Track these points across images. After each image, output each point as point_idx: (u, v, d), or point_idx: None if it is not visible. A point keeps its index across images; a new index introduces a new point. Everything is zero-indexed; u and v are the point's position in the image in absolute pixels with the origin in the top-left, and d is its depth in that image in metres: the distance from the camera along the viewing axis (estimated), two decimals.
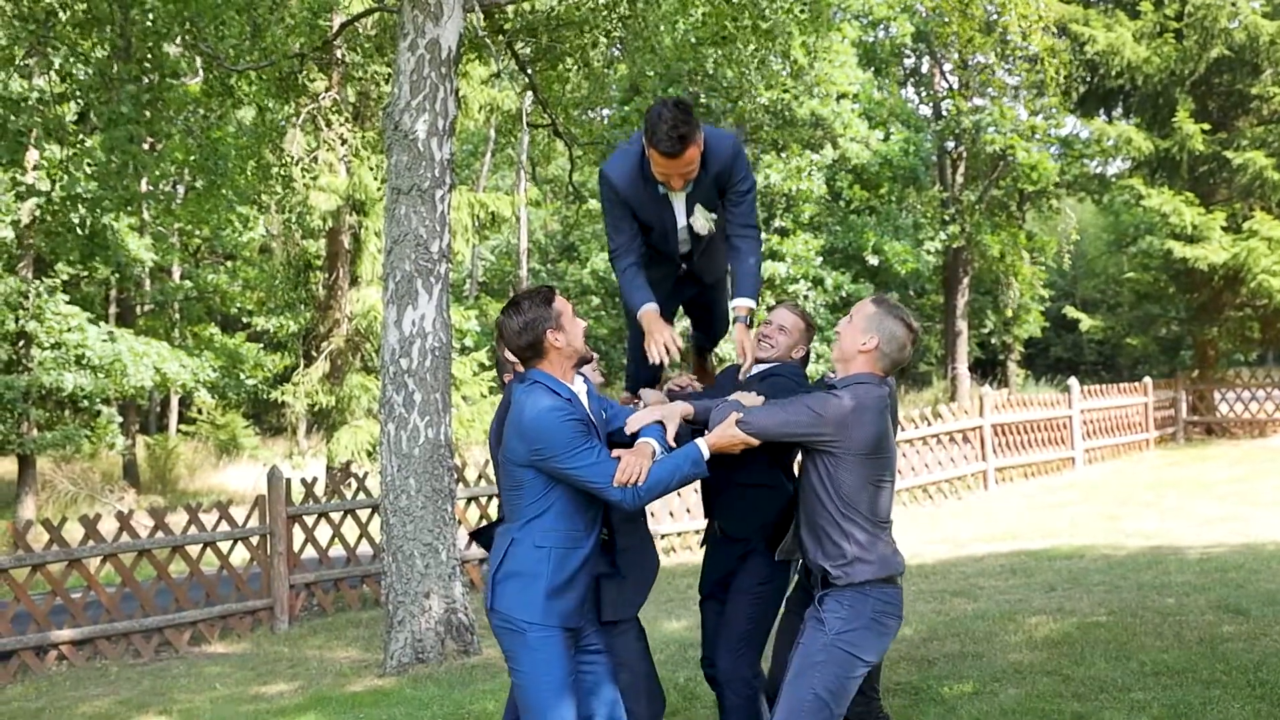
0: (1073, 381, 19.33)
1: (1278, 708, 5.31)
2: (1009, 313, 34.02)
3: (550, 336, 4.08)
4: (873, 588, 4.01)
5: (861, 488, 4.00)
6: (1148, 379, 21.54)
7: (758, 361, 4.77)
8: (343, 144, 19.12)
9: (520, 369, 4.40)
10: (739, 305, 4.53)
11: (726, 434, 4.06)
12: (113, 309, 25.51)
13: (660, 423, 4.21)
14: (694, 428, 4.28)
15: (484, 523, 12.14)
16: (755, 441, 4.06)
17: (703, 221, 4.66)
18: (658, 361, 4.45)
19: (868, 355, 4.11)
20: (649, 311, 4.55)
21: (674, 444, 4.18)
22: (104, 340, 18.55)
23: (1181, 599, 8.03)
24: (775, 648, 4.63)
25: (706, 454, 4.07)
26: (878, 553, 4.03)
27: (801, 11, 12.55)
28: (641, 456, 4.01)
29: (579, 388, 4.18)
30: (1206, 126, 21.22)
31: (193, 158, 16.85)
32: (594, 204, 29.26)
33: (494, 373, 23.33)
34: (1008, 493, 16.19)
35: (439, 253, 8.50)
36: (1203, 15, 20.95)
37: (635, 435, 4.18)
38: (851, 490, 4.00)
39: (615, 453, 4.04)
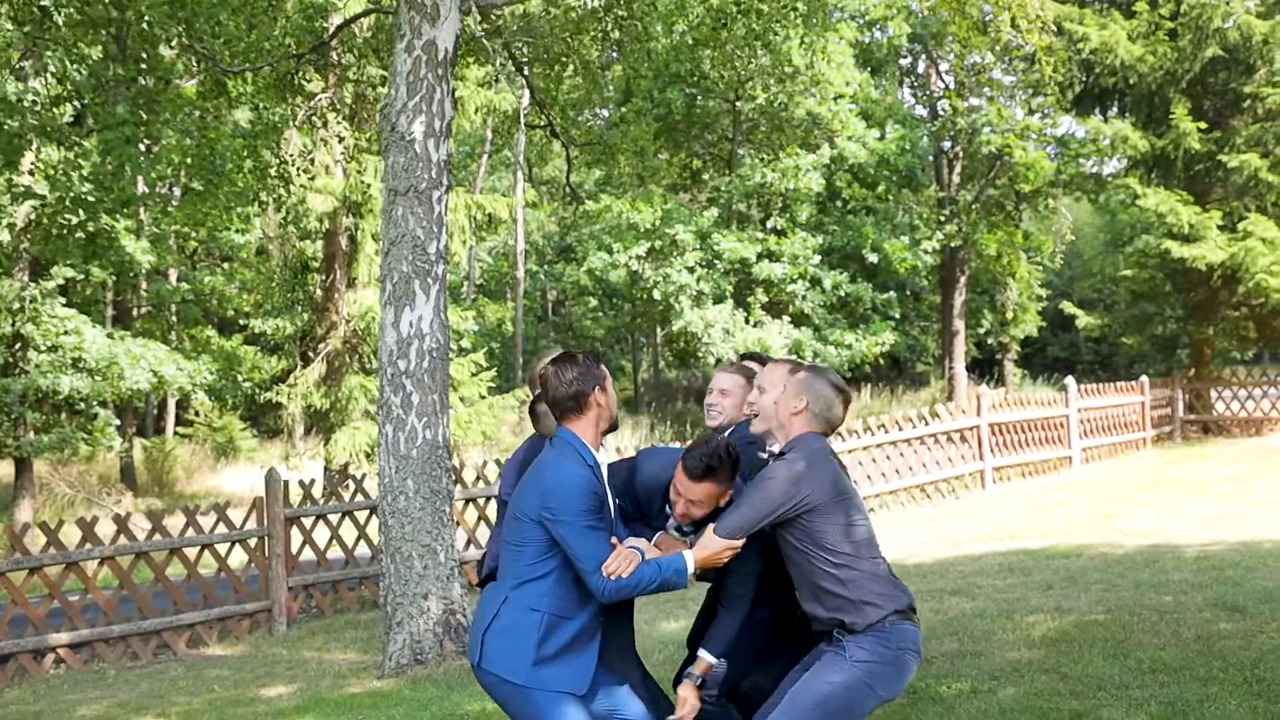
0: (1070, 381, 19.35)
1: (1274, 704, 5.32)
2: (1008, 314, 34.04)
3: (596, 395, 4.12)
4: (891, 624, 4.03)
5: (842, 532, 4.05)
6: (1144, 378, 21.56)
7: (714, 431, 4.85)
8: (339, 145, 19.12)
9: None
10: (702, 657, 4.35)
11: (709, 548, 4.05)
12: (110, 311, 25.51)
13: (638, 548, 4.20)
14: None
15: (483, 525, 12.16)
16: (739, 545, 4.06)
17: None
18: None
19: (800, 416, 4.23)
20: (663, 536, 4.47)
21: None
22: (105, 337, 18.52)
23: (1179, 597, 8.05)
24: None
25: (691, 567, 4.06)
26: (882, 588, 4.07)
27: (796, 13, 12.57)
28: (633, 557, 4.01)
29: (602, 458, 4.20)
30: (1202, 125, 21.24)
31: (189, 159, 16.88)
32: (590, 205, 29.34)
33: (492, 374, 23.34)
34: (1005, 492, 16.20)
35: (436, 254, 8.51)
36: (1197, 14, 20.96)
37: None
38: (834, 538, 4.04)
39: (613, 540, 4.06)
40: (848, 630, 4.03)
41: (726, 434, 4.82)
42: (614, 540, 4.07)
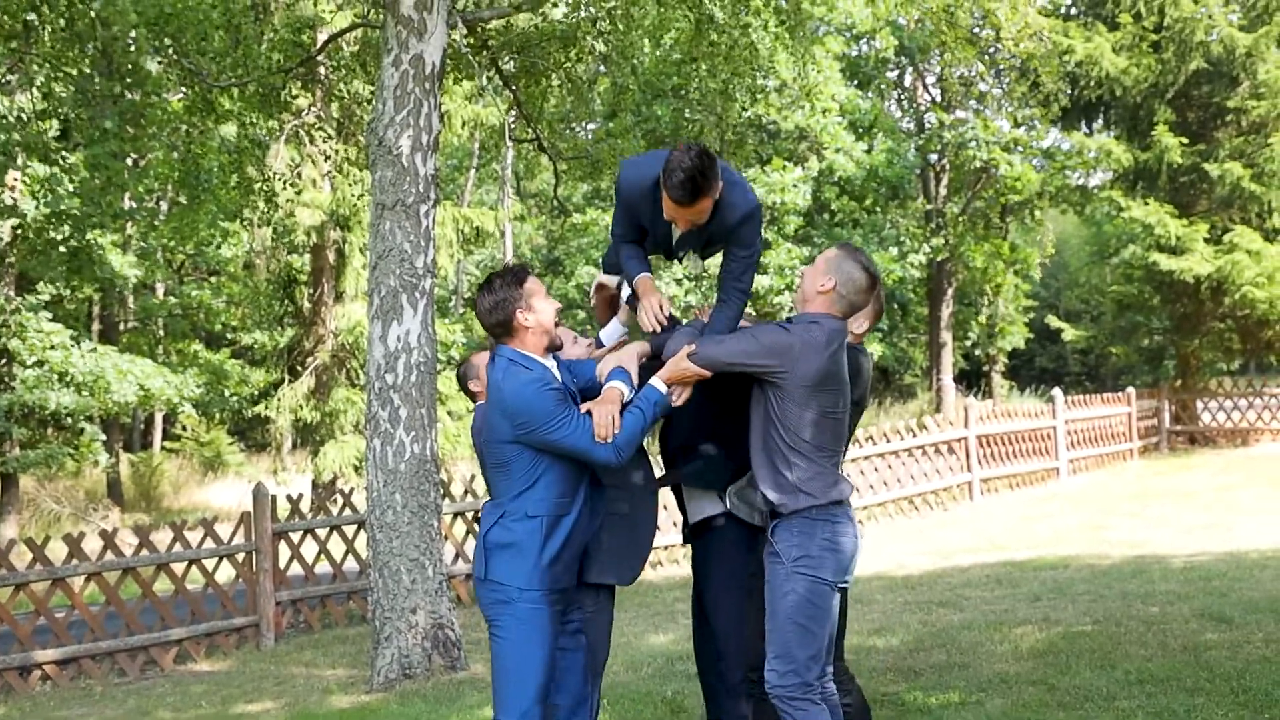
0: (1056, 392, 19.41)
1: (1260, 714, 5.34)
2: (995, 327, 34.12)
3: (520, 316, 4.18)
4: (819, 512, 4.12)
5: (807, 419, 4.11)
6: (1131, 389, 21.63)
7: None
8: (326, 159, 19.12)
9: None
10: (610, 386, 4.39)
11: (679, 367, 4.20)
12: (96, 326, 25.43)
13: (622, 367, 4.32)
14: (654, 364, 4.38)
15: (470, 539, 12.14)
16: (707, 373, 4.19)
17: (690, 263, 4.71)
18: (651, 328, 4.46)
19: (826, 296, 4.25)
20: (644, 279, 4.57)
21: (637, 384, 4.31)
22: (90, 353, 18.45)
23: (1165, 608, 8.08)
24: (751, 619, 4.62)
25: (664, 389, 4.20)
26: (821, 481, 4.14)
27: (781, 25, 12.61)
28: (609, 404, 4.12)
29: (549, 362, 4.27)
30: (1185, 139, 21.37)
31: (176, 174, 16.85)
32: (578, 218, 29.38)
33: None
34: (993, 503, 16.24)
35: (424, 268, 8.51)
36: (1180, 28, 21.12)
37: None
38: (796, 422, 4.11)
39: (585, 407, 4.14)
40: (778, 513, 4.13)
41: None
42: (584, 406, 4.16)
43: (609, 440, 4.05)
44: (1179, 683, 6.00)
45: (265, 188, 13.65)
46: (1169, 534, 12.27)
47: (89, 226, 17.39)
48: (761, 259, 27.51)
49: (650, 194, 4.39)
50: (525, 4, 11.48)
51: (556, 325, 4.32)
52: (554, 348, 4.33)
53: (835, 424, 4.21)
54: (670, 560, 12.73)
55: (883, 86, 33.72)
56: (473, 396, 5.65)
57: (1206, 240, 21.13)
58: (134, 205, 20.25)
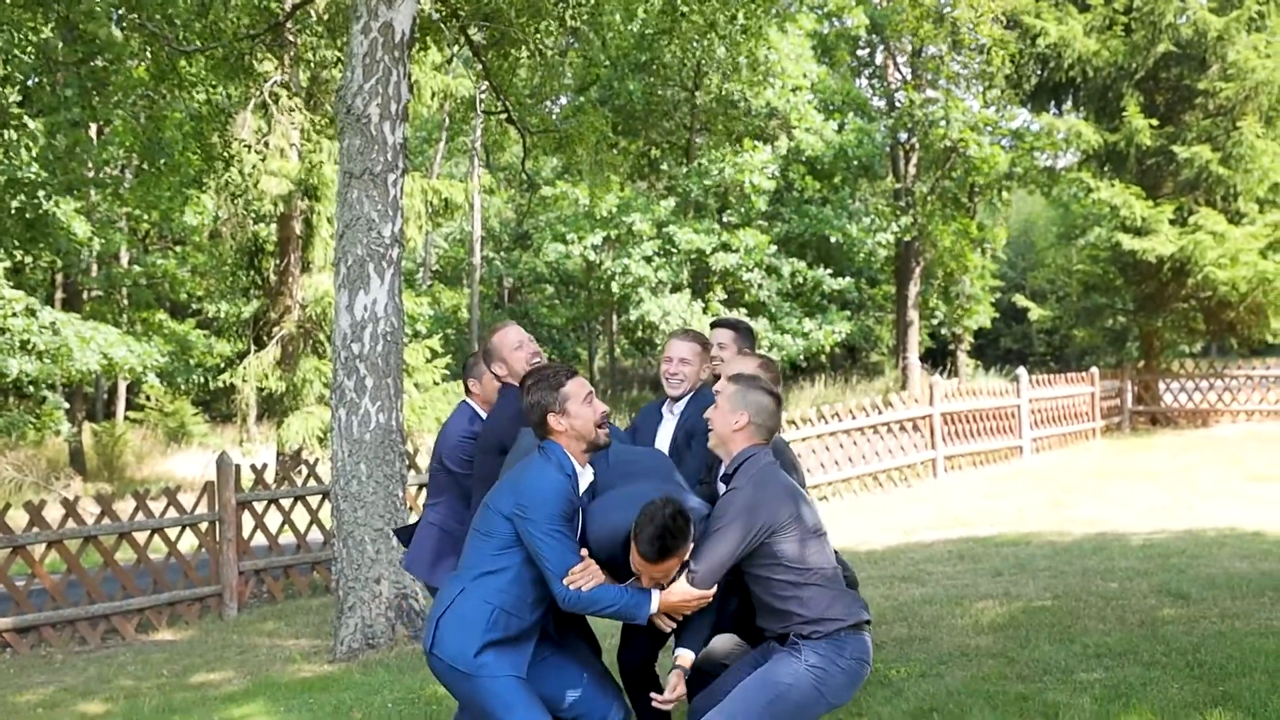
0: (1021, 371, 19.55)
1: (1215, 687, 5.42)
2: (961, 306, 34.30)
3: (553, 420, 4.15)
4: (847, 635, 4.10)
5: (799, 546, 4.10)
6: (1094, 369, 21.82)
7: (674, 400, 5.04)
8: (294, 127, 18.93)
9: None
10: (683, 654, 4.27)
11: (679, 594, 4.07)
12: (59, 294, 25.15)
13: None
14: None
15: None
16: (710, 595, 4.09)
17: None
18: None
19: (743, 431, 4.25)
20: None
21: None
22: (47, 327, 18.20)
23: (1124, 583, 8.17)
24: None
25: (654, 608, 4.08)
26: (840, 604, 4.12)
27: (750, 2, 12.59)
28: (597, 575, 4.05)
29: (585, 476, 4.21)
30: (1154, 121, 21.49)
31: (138, 141, 16.62)
32: (547, 192, 29.25)
33: (447, 360, 23.21)
34: (957, 481, 16.35)
35: (391, 237, 8.46)
36: (1150, 10, 21.20)
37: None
38: (792, 554, 4.09)
39: (584, 552, 4.08)
40: (804, 639, 4.08)
41: (683, 403, 4.95)
42: (583, 552, 4.09)
43: (572, 587, 3.99)
44: (1136, 656, 6.07)
45: (230, 153, 13.50)
46: (1129, 512, 12.40)
47: (49, 194, 17.13)
48: (728, 239, 27.60)
49: (619, 544, 4.17)
50: None
51: (599, 427, 4.21)
52: (597, 449, 4.24)
53: (823, 540, 4.20)
54: None
55: (852, 64, 33.75)
56: (467, 391, 5.59)
57: (1172, 222, 21.30)
58: (95, 174, 19.98)
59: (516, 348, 5.12)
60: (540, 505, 4.01)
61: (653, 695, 4.20)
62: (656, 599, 4.07)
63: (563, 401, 4.15)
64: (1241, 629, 6.54)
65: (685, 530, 3.97)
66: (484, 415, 5.45)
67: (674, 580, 4.08)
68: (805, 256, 28.95)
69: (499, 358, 5.19)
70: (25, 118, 15.97)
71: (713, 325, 5.50)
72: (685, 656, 4.24)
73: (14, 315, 17.68)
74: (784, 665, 4.06)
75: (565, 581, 3.99)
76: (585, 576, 4.02)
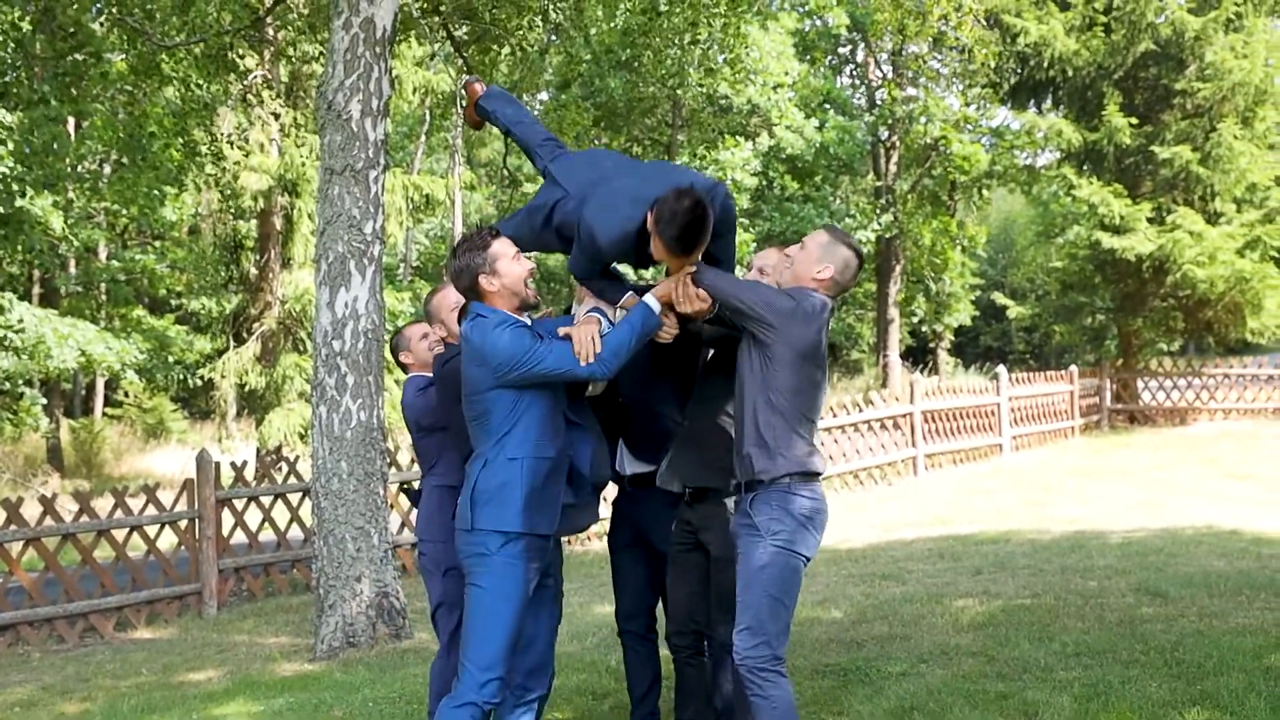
0: (1001, 369, 19.63)
1: (1193, 685, 5.45)
2: (941, 303, 34.41)
3: (484, 280, 4.21)
4: (796, 484, 4.15)
5: (794, 387, 4.14)
6: (1073, 368, 21.93)
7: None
8: (275, 123, 18.85)
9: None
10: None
11: (677, 286, 4.17)
12: (36, 289, 24.98)
13: (599, 307, 4.34)
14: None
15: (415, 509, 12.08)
16: (702, 305, 4.17)
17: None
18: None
19: (825, 283, 4.29)
20: (632, 297, 4.46)
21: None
22: (18, 323, 18.05)
23: (1103, 582, 8.21)
24: (670, 585, 4.76)
25: (657, 307, 4.19)
26: (801, 449, 4.18)
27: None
28: (588, 325, 4.15)
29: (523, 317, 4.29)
30: (1134, 120, 21.60)
31: (117, 137, 16.49)
32: (528, 188, 29.19)
33: None
34: (937, 479, 16.41)
35: (372, 234, 8.43)
36: (1130, 9, 21.30)
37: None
38: (783, 388, 4.14)
39: (562, 331, 4.17)
40: (756, 483, 4.14)
41: None
42: (561, 331, 4.20)
43: (589, 360, 4.07)
44: (1115, 655, 6.10)
45: (213, 148, 13.44)
46: (1108, 510, 12.46)
47: (23, 190, 16.97)
48: None
49: (631, 241, 4.27)
50: None
51: (527, 284, 4.30)
52: (527, 307, 4.33)
53: (815, 396, 4.24)
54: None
55: (833, 62, 33.80)
56: (404, 368, 5.59)
57: (1150, 221, 21.42)
58: (73, 168, 19.82)
59: (453, 309, 5.09)
60: (508, 349, 4.07)
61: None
62: (654, 299, 4.20)
63: (492, 261, 4.20)
64: (1220, 628, 6.58)
65: (708, 215, 4.05)
66: (430, 376, 5.46)
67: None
68: None
69: (438, 319, 5.16)
70: (2, 111, 15.85)
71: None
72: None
73: None
74: (753, 548, 4.11)
75: (579, 359, 4.07)
76: (585, 341, 4.09)
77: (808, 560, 4.19)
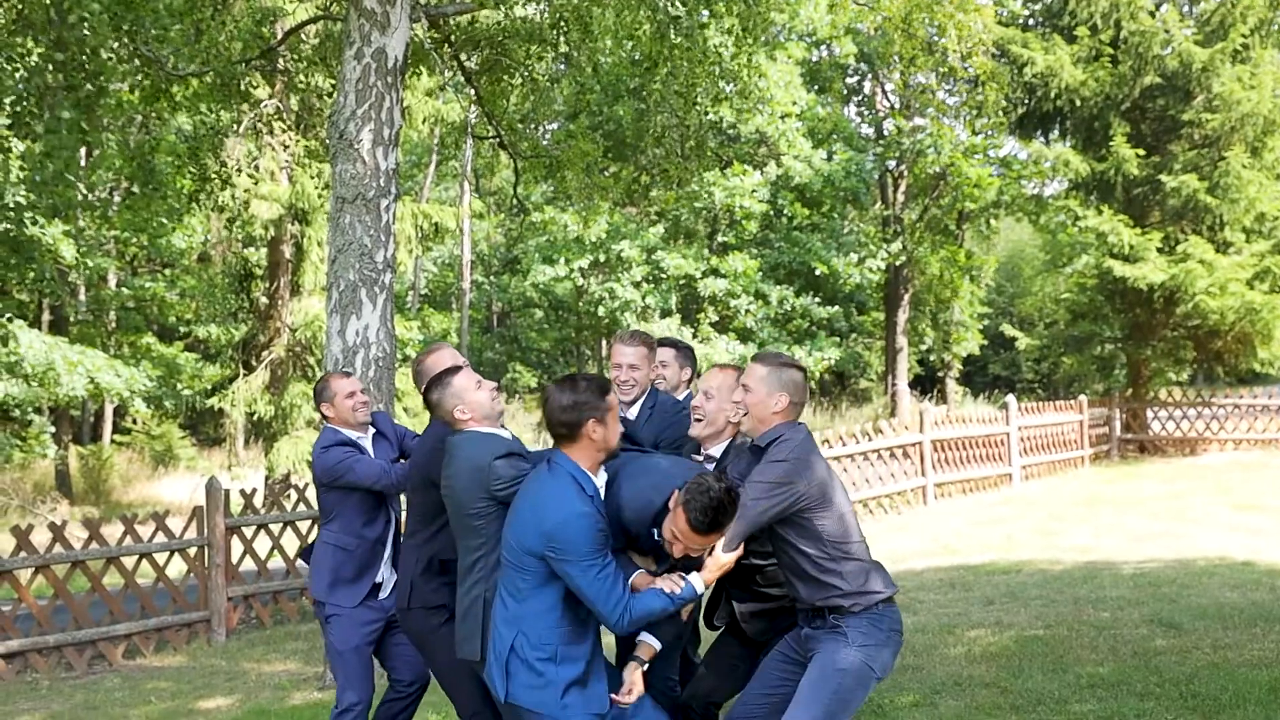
0: (1010, 399, 19.59)
1: (1209, 719, 5.41)
2: (950, 333, 34.39)
3: (591, 427, 4.02)
4: (885, 607, 4.18)
5: (837, 522, 4.15)
6: (1083, 397, 21.88)
7: (626, 404, 5.12)
8: (285, 151, 18.94)
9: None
10: (645, 641, 4.34)
11: (718, 562, 4.10)
12: (46, 316, 25.06)
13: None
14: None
15: None
16: (737, 555, 4.12)
17: None
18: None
19: (783, 412, 4.28)
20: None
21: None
22: (29, 349, 18.10)
23: (1116, 613, 8.16)
24: (713, 666, 4.76)
25: (701, 588, 4.10)
26: (875, 576, 4.20)
27: (738, 28, 12.62)
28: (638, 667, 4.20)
29: (600, 480, 4.14)
30: (1141, 151, 21.63)
31: (128, 165, 16.57)
32: (537, 217, 29.28)
33: None
34: (947, 508, 16.35)
35: (383, 262, 8.46)
36: (1137, 41, 21.38)
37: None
38: (832, 529, 4.14)
39: (637, 580, 4.10)
40: (844, 612, 4.13)
41: (637, 406, 5.09)
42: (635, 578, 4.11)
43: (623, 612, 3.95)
44: (1129, 687, 6.06)
45: (223, 174, 13.50)
46: (1119, 540, 12.41)
47: (34, 218, 17.05)
48: (718, 264, 27.66)
49: (649, 520, 4.20)
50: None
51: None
52: (613, 456, 4.23)
53: (853, 516, 4.27)
54: None
55: (842, 92, 33.92)
56: (324, 418, 5.55)
57: (1160, 250, 21.42)
58: (85, 195, 19.93)
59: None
60: (574, 545, 3.86)
61: (612, 695, 4.13)
62: (701, 581, 4.07)
63: (605, 411, 4.04)
64: (1234, 660, 6.54)
65: (735, 505, 4.00)
66: (347, 434, 5.46)
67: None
68: (794, 284, 29.01)
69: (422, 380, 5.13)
70: (14, 140, 15.95)
71: (658, 344, 5.52)
72: (648, 647, 4.28)
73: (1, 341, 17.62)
74: (836, 652, 4.10)
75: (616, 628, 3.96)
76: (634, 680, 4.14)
77: (877, 680, 4.18)
